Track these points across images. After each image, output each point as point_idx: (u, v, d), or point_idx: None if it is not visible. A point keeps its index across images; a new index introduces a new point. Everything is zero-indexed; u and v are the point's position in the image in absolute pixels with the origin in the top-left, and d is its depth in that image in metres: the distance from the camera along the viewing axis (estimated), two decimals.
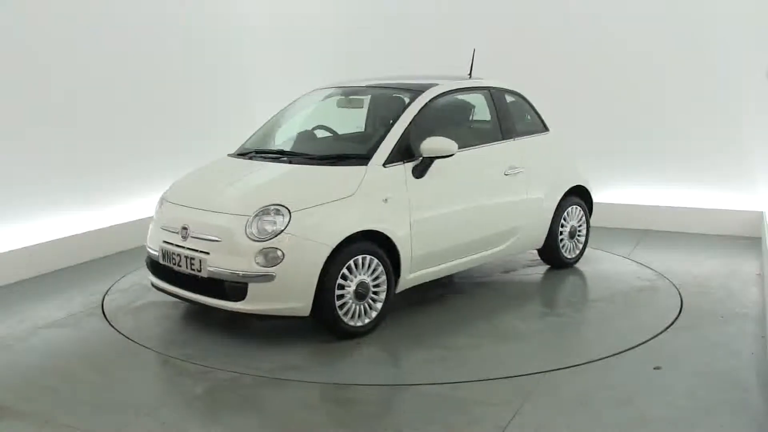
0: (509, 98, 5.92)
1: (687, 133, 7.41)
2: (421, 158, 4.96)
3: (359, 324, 4.65)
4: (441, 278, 5.34)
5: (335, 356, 4.43)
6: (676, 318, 4.98)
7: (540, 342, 4.70)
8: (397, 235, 4.77)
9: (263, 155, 5.37)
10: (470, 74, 5.93)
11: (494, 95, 5.78)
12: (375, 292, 4.71)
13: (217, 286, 4.52)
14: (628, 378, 4.07)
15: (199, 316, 5.12)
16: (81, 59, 6.82)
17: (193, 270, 4.61)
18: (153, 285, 5.10)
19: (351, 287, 4.56)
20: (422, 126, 5.12)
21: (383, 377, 4.23)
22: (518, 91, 6.01)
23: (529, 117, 6.04)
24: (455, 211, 5.17)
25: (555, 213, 5.94)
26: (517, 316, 5.15)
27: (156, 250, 4.93)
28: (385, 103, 5.61)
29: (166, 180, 5.85)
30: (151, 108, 7.59)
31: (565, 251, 6.14)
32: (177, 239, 4.75)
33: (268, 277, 4.36)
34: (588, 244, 6.38)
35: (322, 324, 4.60)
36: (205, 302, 4.65)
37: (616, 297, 5.48)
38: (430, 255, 5.03)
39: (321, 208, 4.55)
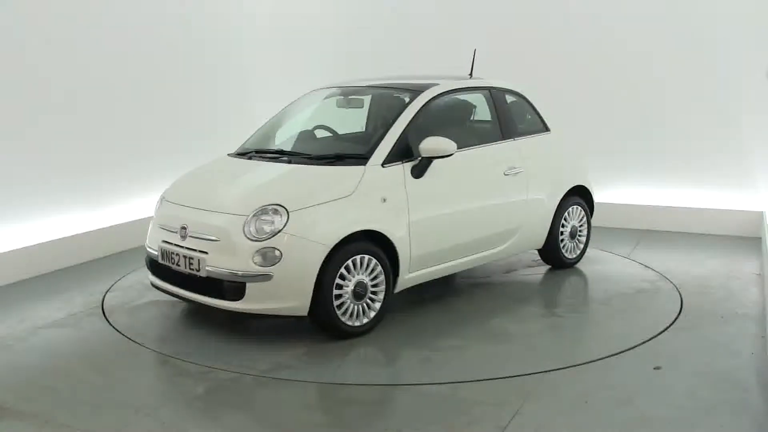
0: (510, 98, 5.92)
1: (687, 133, 7.41)
2: (419, 158, 4.96)
3: (357, 324, 4.65)
4: (440, 278, 5.33)
5: (335, 356, 4.43)
6: (676, 318, 4.98)
7: (540, 342, 4.70)
8: (396, 235, 4.77)
9: (262, 155, 5.37)
10: (471, 74, 5.93)
11: (494, 95, 5.78)
12: (373, 292, 4.71)
13: (215, 285, 4.52)
14: (628, 378, 4.07)
15: (199, 315, 5.12)
16: (81, 59, 6.82)
17: (192, 269, 4.61)
18: (152, 284, 5.11)
19: (349, 287, 4.56)
20: (422, 126, 5.12)
21: (383, 377, 4.24)
22: (519, 91, 6.01)
23: (529, 117, 6.04)
24: (454, 211, 5.17)
25: (555, 213, 5.93)
26: (516, 316, 5.15)
27: (155, 250, 4.94)
28: (386, 103, 5.62)
29: (166, 180, 5.86)
30: (151, 108, 7.59)
31: (566, 251, 6.13)
32: (176, 239, 4.76)
33: (265, 277, 4.36)
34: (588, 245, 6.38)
35: (319, 324, 4.60)
36: (203, 302, 4.66)
37: (616, 297, 5.48)
38: (429, 255, 5.03)
39: (319, 207, 4.55)
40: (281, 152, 5.38)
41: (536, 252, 6.19)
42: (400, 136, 4.98)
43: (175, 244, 4.75)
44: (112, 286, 5.92)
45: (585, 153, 6.55)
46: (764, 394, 3.82)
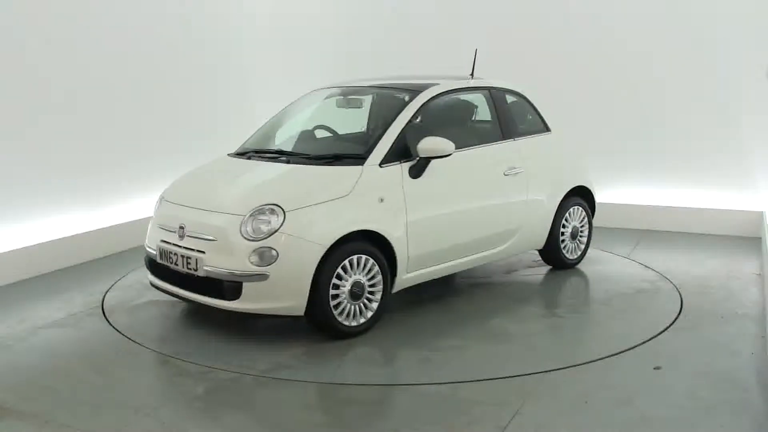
0: (510, 98, 5.92)
1: (687, 133, 7.41)
2: (417, 158, 4.96)
3: (354, 324, 4.65)
4: (440, 278, 5.33)
5: (334, 356, 4.42)
6: (676, 318, 4.98)
7: (540, 342, 4.69)
8: (393, 235, 4.76)
9: (262, 155, 5.38)
10: (472, 74, 5.92)
11: (494, 95, 5.78)
12: (371, 292, 4.71)
13: (212, 285, 4.53)
14: (628, 378, 4.07)
15: (199, 315, 5.13)
16: (81, 59, 6.82)
17: (190, 269, 4.62)
18: (152, 284, 5.12)
19: (346, 287, 4.56)
20: (421, 126, 5.12)
21: (383, 377, 4.24)
22: (520, 91, 6.00)
23: (530, 117, 6.03)
24: (452, 212, 5.17)
25: (556, 213, 5.92)
26: (516, 316, 5.15)
27: (154, 249, 4.95)
28: (386, 104, 5.61)
29: (166, 180, 5.86)
30: (151, 108, 7.59)
31: (567, 252, 6.13)
32: (174, 238, 4.77)
33: (262, 277, 4.37)
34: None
35: (316, 324, 4.60)
36: (201, 301, 4.67)
37: (616, 297, 5.48)
38: (427, 255, 5.03)
39: (316, 208, 4.55)
40: (280, 152, 5.38)
41: (537, 252, 6.18)
42: (398, 136, 4.98)
43: (174, 244, 4.76)
44: (112, 286, 5.92)
45: (585, 153, 6.54)
46: (764, 394, 3.82)
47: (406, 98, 5.27)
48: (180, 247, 4.70)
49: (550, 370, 4.15)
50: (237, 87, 8.77)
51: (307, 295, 4.43)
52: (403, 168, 4.93)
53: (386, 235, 4.72)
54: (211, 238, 4.56)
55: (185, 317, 5.14)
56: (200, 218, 4.71)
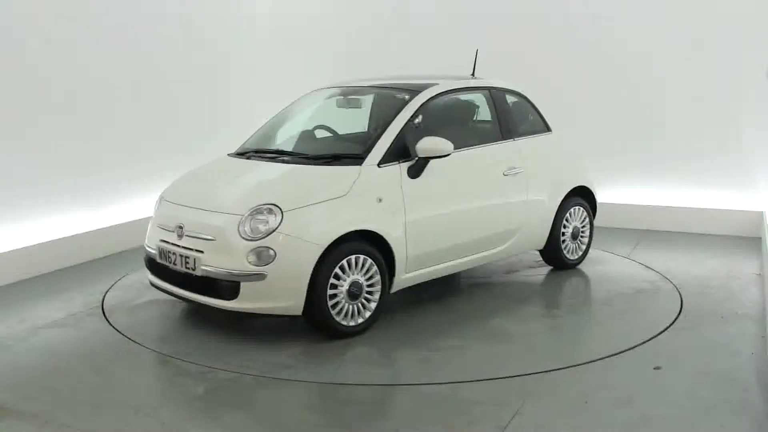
0: (510, 98, 5.91)
1: (687, 133, 7.41)
2: (416, 158, 4.96)
3: (352, 324, 4.65)
4: (440, 278, 5.33)
5: (334, 356, 4.42)
6: (676, 318, 4.98)
7: (540, 342, 4.69)
8: (391, 235, 4.76)
9: (261, 155, 5.38)
10: (473, 74, 5.92)
11: (494, 95, 5.77)
12: (369, 292, 4.71)
13: (210, 284, 4.54)
14: (628, 378, 4.07)
15: (199, 315, 5.13)
16: (81, 59, 6.82)
17: (188, 268, 4.63)
18: (151, 283, 5.13)
19: (344, 287, 4.56)
20: (420, 126, 5.12)
21: (383, 377, 4.23)
22: (520, 91, 5.99)
23: (531, 117, 6.02)
24: (451, 212, 5.16)
25: (557, 214, 5.92)
26: (516, 316, 5.15)
27: (153, 249, 4.96)
28: (387, 104, 5.61)
29: (166, 180, 5.86)
30: (151, 108, 7.59)
31: (568, 252, 6.12)
32: (173, 238, 4.78)
33: (259, 276, 4.37)
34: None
35: (313, 324, 4.60)
36: (199, 300, 4.68)
37: (616, 297, 5.48)
38: (426, 255, 5.03)
39: (313, 207, 4.55)
40: (280, 152, 5.38)
41: (538, 253, 6.18)
42: (397, 136, 4.98)
43: (172, 243, 4.77)
44: (112, 286, 5.92)
45: (585, 153, 6.54)
46: (764, 394, 3.82)
47: (407, 98, 5.27)
48: (179, 246, 4.71)
49: (550, 370, 4.15)
50: (237, 87, 8.77)
51: (305, 294, 4.43)
52: (401, 168, 4.93)
53: (384, 235, 4.72)
54: (209, 237, 4.56)
55: (185, 317, 5.14)
56: (199, 218, 4.72)
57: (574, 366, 4.22)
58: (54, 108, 6.57)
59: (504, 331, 4.83)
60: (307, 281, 4.41)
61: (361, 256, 4.62)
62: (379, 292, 4.74)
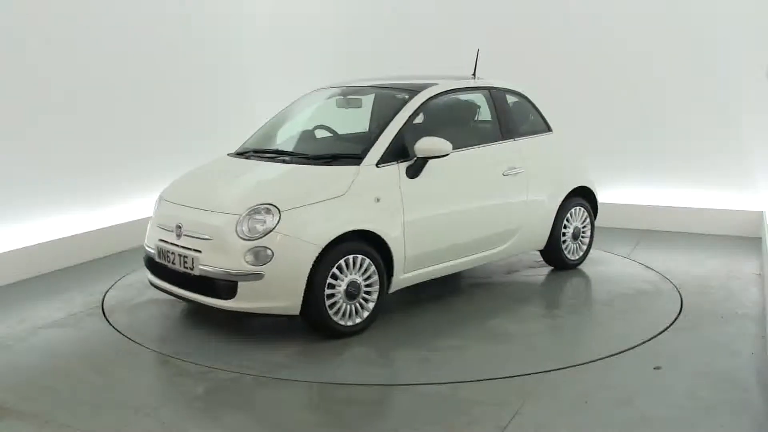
0: (511, 98, 5.91)
1: (687, 133, 7.41)
2: (415, 158, 4.96)
3: (350, 323, 4.65)
4: (439, 278, 5.33)
5: (333, 356, 4.43)
6: (676, 318, 4.98)
7: (540, 342, 4.69)
8: (390, 235, 4.76)
9: (260, 155, 5.38)
10: (474, 74, 5.92)
11: (494, 95, 5.77)
12: (367, 292, 4.70)
13: (208, 284, 4.54)
14: (628, 378, 4.07)
15: (199, 315, 5.13)
16: (81, 59, 6.82)
17: (186, 268, 4.63)
18: (151, 283, 5.14)
19: (341, 287, 4.56)
20: (420, 126, 5.12)
21: (382, 377, 4.23)
22: (521, 91, 5.99)
23: (531, 117, 6.02)
24: (450, 212, 5.16)
25: (557, 214, 5.91)
26: (516, 316, 5.15)
27: (153, 248, 4.97)
28: (387, 104, 5.60)
29: (166, 180, 5.86)
30: (151, 108, 7.59)
31: (568, 253, 6.11)
32: (172, 237, 4.79)
33: (257, 276, 4.38)
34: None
35: (311, 323, 4.60)
36: (197, 300, 4.68)
37: (616, 297, 5.48)
38: (425, 255, 5.02)
39: (311, 207, 4.55)
40: (279, 152, 5.38)
41: (539, 253, 6.18)
42: (396, 136, 4.97)
43: (171, 243, 4.77)
44: (112, 285, 5.92)
45: (585, 153, 6.54)
46: (764, 394, 3.82)
47: (406, 98, 5.27)
48: (177, 246, 4.72)
49: (550, 370, 4.15)
50: (237, 87, 8.76)
51: (302, 294, 4.43)
52: (400, 168, 4.92)
53: (382, 235, 4.72)
54: (207, 237, 4.57)
55: (185, 317, 5.14)
56: (197, 218, 4.72)
57: (574, 366, 4.22)
58: (54, 108, 6.57)
59: (504, 331, 4.82)
60: (305, 281, 4.41)
61: (359, 256, 4.62)
62: (378, 292, 4.74)
